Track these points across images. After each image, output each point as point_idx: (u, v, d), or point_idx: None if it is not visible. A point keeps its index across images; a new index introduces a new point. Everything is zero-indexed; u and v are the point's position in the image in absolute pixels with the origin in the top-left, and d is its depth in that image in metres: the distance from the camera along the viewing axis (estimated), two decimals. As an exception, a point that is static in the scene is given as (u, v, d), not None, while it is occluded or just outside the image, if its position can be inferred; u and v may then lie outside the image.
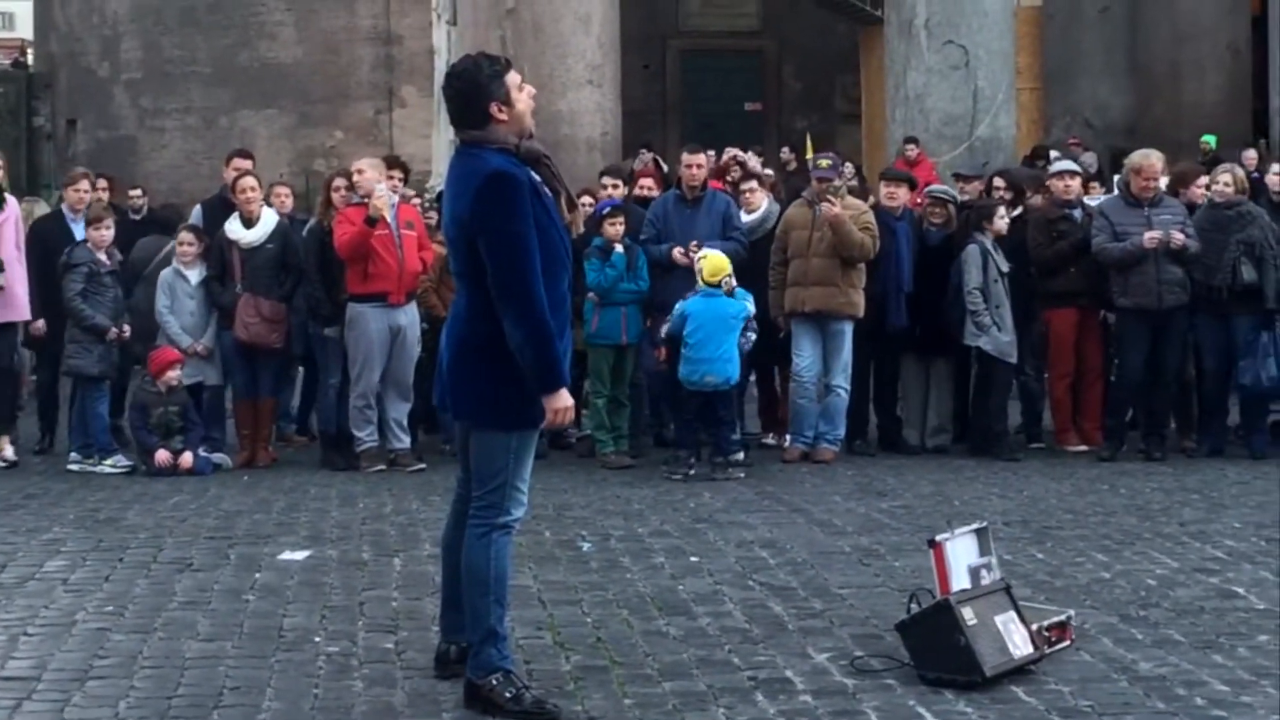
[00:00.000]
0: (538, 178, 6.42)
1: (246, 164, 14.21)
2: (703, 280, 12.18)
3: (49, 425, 13.76)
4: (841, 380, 12.99)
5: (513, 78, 6.46)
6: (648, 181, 14.81)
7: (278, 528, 10.27)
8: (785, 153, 24.28)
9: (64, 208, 14.03)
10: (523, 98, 6.45)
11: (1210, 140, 22.21)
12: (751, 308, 12.31)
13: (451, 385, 6.55)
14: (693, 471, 12.07)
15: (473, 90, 6.41)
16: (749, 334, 12.27)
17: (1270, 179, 14.23)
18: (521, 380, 6.35)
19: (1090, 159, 22.31)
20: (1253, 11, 25.11)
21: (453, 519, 6.79)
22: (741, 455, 12.47)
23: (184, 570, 8.98)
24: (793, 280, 13.02)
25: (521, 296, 6.27)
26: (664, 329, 12.40)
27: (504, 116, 6.40)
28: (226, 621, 7.82)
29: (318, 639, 7.49)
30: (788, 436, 13.47)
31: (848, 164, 23.88)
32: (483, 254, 6.30)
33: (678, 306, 12.24)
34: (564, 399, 6.39)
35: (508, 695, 6.35)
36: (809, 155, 17.87)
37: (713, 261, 12.24)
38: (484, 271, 6.33)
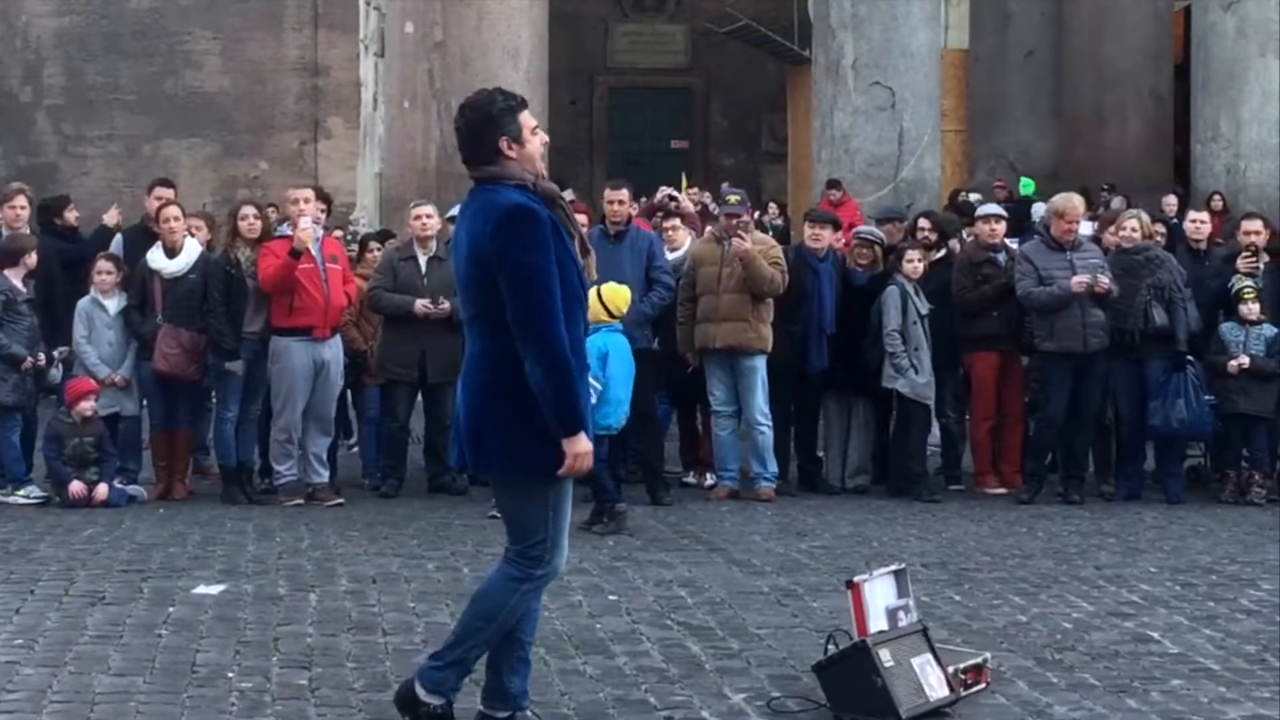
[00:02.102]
0: (555, 216, 6.20)
1: (168, 193, 14.13)
2: (606, 314, 11.53)
3: None
4: (760, 417, 12.99)
5: (526, 118, 6.23)
6: (581, 218, 14.81)
7: (192, 561, 10.16)
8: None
9: (1, 227, 13.91)
10: (535, 141, 6.22)
11: (1028, 186, 22.43)
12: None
13: (474, 439, 6.24)
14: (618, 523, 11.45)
15: (484, 123, 6.18)
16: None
17: (1187, 226, 14.36)
18: (548, 425, 6.07)
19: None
20: (1175, 59, 25.38)
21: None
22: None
23: (96, 603, 8.86)
24: (702, 316, 13.04)
25: (542, 332, 6.02)
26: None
27: (513, 154, 6.17)
28: (138, 656, 7.72)
29: (230, 674, 7.40)
30: (709, 475, 13.49)
31: (771, 204, 24.10)
32: (504, 290, 6.04)
33: (593, 344, 11.75)
34: (583, 443, 6.08)
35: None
36: (684, 191, 17.95)
37: (615, 293, 11.68)
38: (500, 315, 6.08)
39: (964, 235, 14.84)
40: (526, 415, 6.09)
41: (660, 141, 30.89)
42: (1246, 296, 13.21)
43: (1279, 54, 20.41)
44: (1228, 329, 13.27)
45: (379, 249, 14.14)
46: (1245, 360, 13.03)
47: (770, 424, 13.04)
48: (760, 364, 13.00)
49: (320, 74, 27.13)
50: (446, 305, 12.52)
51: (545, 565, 6.25)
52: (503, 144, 6.17)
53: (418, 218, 13.25)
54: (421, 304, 12.79)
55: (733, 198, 13.50)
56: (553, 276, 6.06)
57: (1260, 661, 7.85)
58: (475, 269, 6.16)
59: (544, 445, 6.10)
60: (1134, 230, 13.36)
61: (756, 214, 22.18)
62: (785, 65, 27.73)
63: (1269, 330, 13.20)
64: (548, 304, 6.04)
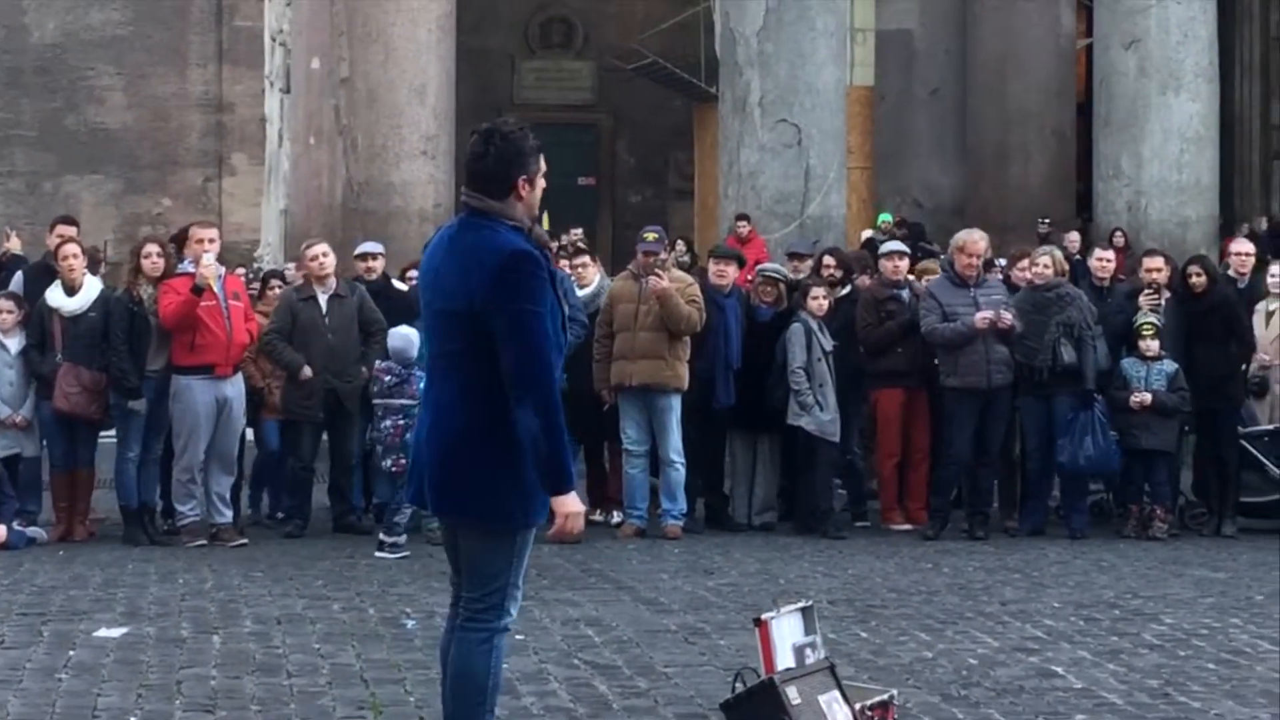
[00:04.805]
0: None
1: (70, 230, 13.99)
2: None
3: None
4: (675, 455, 13.00)
5: (542, 164, 6.04)
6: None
7: (94, 604, 10.05)
8: None
9: None
10: (538, 189, 6.03)
11: (887, 217, 22.63)
12: None
13: (440, 480, 5.94)
14: None
15: (514, 156, 5.93)
16: None
17: (1092, 263, 14.48)
18: (523, 473, 5.84)
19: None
20: (1078, 97, 25.65)
21: (451, 623, 6.11)
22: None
23: (-6, 647, 8.75)
24: (619, 354, 13.04)
25: (541, 383, 5.78)
26: None
27: (524, 194, 5.95)
28: (38, 701, 7.62)
29: (133, 718, 7.32)
30: (616, 513, 13.47)
31: (679, 241, 24.14)
32: (499, 335, 5.79)
33: None
34: (574, 503, 5.88)
35: None
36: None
37: None
38: (484, 355, 5.82)
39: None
40: (503, 461, 5.86)
41: (567, 179, 30.77)
42: (1146, 333, 13.33)
43: (1179, 92, 20.66)
44: (1129, 365, 13.39)
45: (280, 286, 14.04)
46: (1148, 397, 13.14)
47: (684, 462, 13.06)
48: (676, 402, 13.03)
49: (224, 110, 26.99)
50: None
51: (505, 615, 5.99)
52: (520, 183, 5.95)
53: (314, 258, 13.17)
54: (308, 371, 12.82)
55: (650, 235, 13.50)
56: (549, 326, 5.86)
57: (1163, 696, 7.91)
58: (461, 307, 5.88)
59: (520, 494, 5.89)
60: (1046, 267, 13.45)
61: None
62: (692, 102, 27.81)
63: (1169, 366, 13.32)
64: (548, 353, 5.84)
